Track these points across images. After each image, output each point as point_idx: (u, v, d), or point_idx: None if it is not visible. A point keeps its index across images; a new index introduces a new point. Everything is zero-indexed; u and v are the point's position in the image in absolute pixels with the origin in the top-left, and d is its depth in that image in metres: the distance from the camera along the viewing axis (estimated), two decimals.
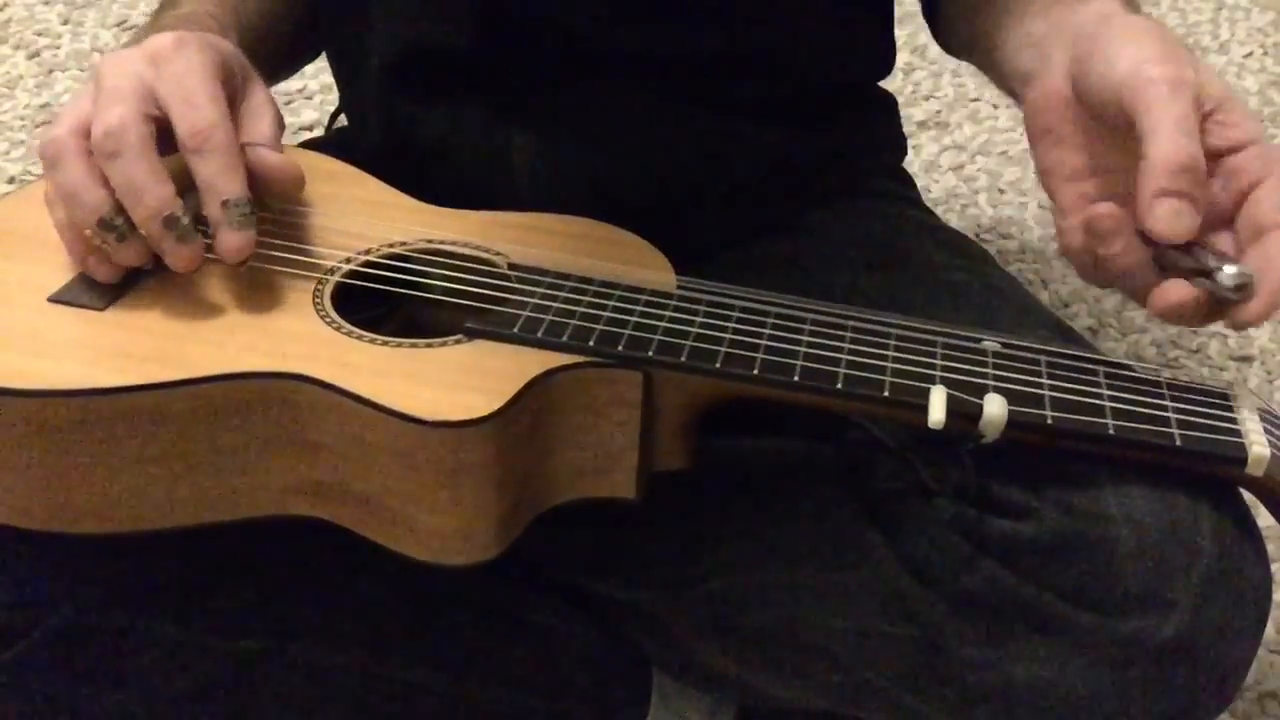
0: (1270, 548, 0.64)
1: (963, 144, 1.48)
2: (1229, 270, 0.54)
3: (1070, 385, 0.60)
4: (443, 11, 0.74)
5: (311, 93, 1.50)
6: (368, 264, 0.65)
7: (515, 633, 0.76)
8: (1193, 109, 0.55)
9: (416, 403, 0.55)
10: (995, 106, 1.56)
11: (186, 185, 0.59)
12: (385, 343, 0.59)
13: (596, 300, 0.62)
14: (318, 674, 0.70)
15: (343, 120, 0.88)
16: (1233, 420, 0.59)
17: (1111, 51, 0.57)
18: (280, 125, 0.65)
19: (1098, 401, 0.59)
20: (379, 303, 0.65)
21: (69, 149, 0.58)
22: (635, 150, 0.75)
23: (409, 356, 0.58)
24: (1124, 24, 0.59)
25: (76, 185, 0.58)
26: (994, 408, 0.57)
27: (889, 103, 0.89)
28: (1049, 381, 0.60)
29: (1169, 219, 0.53)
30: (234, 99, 0.62)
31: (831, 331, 0.62)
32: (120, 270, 0.61)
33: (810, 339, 0.61)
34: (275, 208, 0.67)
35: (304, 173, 0.63)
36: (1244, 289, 0.54)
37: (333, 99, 1.23)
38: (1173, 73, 0.55)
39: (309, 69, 1.53)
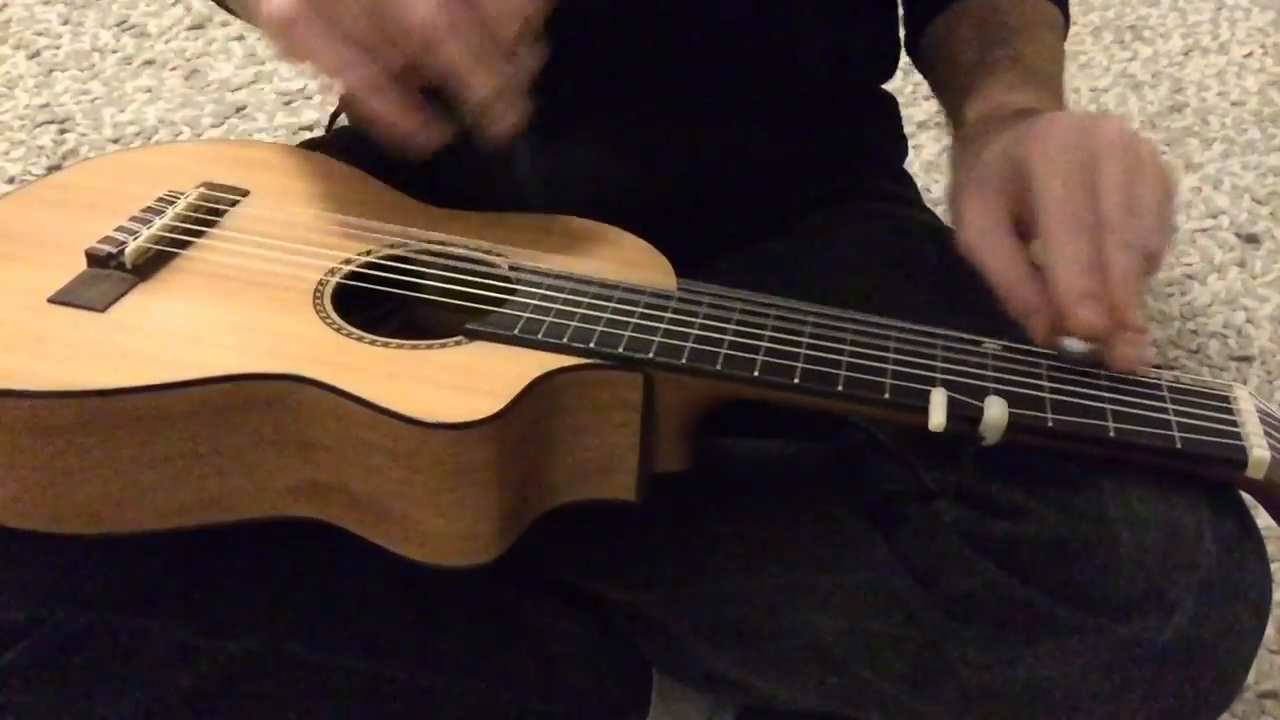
0: (1270, 548, 0.64)
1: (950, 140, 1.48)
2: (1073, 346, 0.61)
3: (1071, 387, 0.60)
4: None
5: (311, 93, 1.50)
6: (368, 265, 0.65)
7: (515, 633, 0.76)
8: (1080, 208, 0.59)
9: (417, 404, 0.55)
10: None
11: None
12: (385, 344, 0.59)
13: (597, 302, 0.62)
14: (318, 674, 0.70)
15: (343, 120, 0.88)
16: (1233, 423, 0.59)
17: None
18: None
19: (1098, 404, 0.59)
20: (379, 304, 0.65)
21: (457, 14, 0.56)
22: (637, 152, 0.75)
23: (409, 358, 0.58)
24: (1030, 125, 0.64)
25: (471, 56, 0.57)
26: (994, 410, 0.57)
27: (890, 103, 0.89)
28: (1049, 384, 0.60)
29: (1092, 321, 0.58)
30: None
31: (832, 333, 0.62)
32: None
33: (811, 341, 0.61)
34: (276, 210, 0.67)
35: (310, 169, 0.61)
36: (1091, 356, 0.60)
37: (333, 99, 1.23)
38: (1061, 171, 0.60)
39: (309, 68, 1.53)
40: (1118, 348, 0.59)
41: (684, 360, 0.59)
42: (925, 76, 0.87)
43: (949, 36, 0.80)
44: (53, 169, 1.37)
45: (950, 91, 0.80)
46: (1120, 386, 0.60)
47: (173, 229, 0.65)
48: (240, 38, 1.60)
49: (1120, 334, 0.59)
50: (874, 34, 0.83)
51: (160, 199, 0.68)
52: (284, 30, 0.58)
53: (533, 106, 0.75)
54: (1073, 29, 1.73)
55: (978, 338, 0.63)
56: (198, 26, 1.63)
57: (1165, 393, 0.60)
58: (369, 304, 0.64)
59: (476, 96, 0.57)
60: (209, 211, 0.67)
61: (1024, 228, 0.62)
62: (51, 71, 1.54)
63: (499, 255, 0.66)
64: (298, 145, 0.83)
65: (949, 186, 0.69)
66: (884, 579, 0.65)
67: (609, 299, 0.62)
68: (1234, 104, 1.58)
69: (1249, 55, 1.68)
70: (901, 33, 0.88)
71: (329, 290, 0.63)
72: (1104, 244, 0.59)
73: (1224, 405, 0.60)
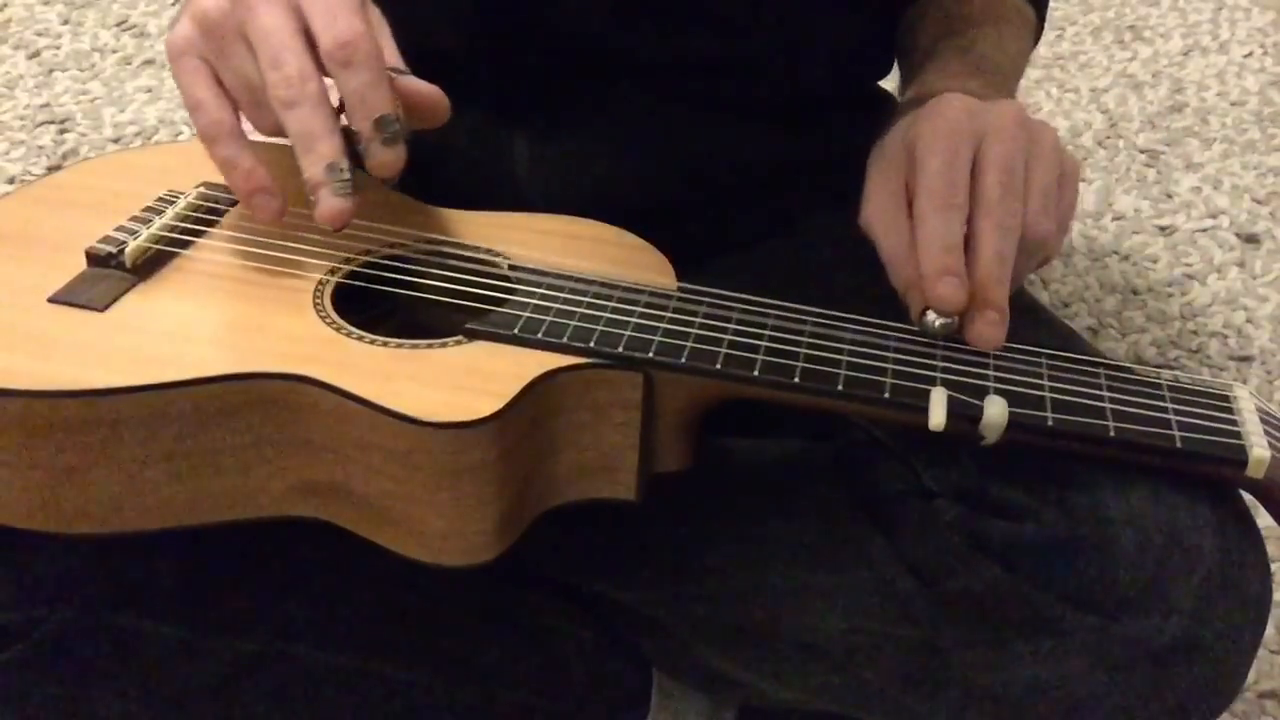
0: (1270, 548, 0.64)
1: None
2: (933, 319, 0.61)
3: (1071, 387, 0.60)
4: (442, 15, 0.73)
5: None
6: (368, 264, 0.65)
7: (515, 632, 0.76)
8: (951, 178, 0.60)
9: (417, 404, 0.55)
10: None
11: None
12: (385, 343, 0.59)
13: (597, 301, 0.62)
14: (318, 674, 0.70)
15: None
16: (1233, 422, 0.59)
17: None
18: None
19: (1098, 403, 0.59)
20: (379, 303, 0.65)
21: (311, 90, 0.57)
22: (636, 152, 0.75)
23: (409, 357, 0.58)
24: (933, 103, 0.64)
25: (314, 129, 0.57)
26: (994, 409, 0.57)
27: (889, 102, 0.89)
28: (1049, 383, 0.60)
29: (947, 296, 0.59)
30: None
31: (832, 333, 0.62)
32: (343, 218, 0.59)
33: (810, 340, 0.61)
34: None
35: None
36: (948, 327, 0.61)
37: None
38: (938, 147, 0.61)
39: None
40: (974, 325, 0.60)
41: (684, 360, 0.59)
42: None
43: (914, 26, 0.80)
44: (53, 169, 1.37)
45: (902, 79, 0.80)
46: (1120, 386, 0.60)
47: (173, 229, 0.65)
48: None
49: (980, 312, 0.59)
50: (873, 33, 0.83)
51: (160, 199, 0.68)
52: (173, 60, 0.60)
53: (531, 109, 0.75)
54: (1072, 29, 1.74)
55: None
56: None
57: (1165, 392, 0.60)
58: (369, 304, 0.64)
59: (314, 166, 0.58)
60: (209, 211, 0.67)
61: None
62: (51, 71, 1.54)
63: (499, 255, 0.66)
64: None
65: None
66: (884, 579, 0.65)
67: (609, 298, 0.62)
68: (1234, 104, 1.58)
69: (1249, 55, 1.68)
70: None
71: (329, 290, 0.63)
72: (976, 226, 0.59)
73: (1224, 405, 0.60)
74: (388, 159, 0.59)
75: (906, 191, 0.62)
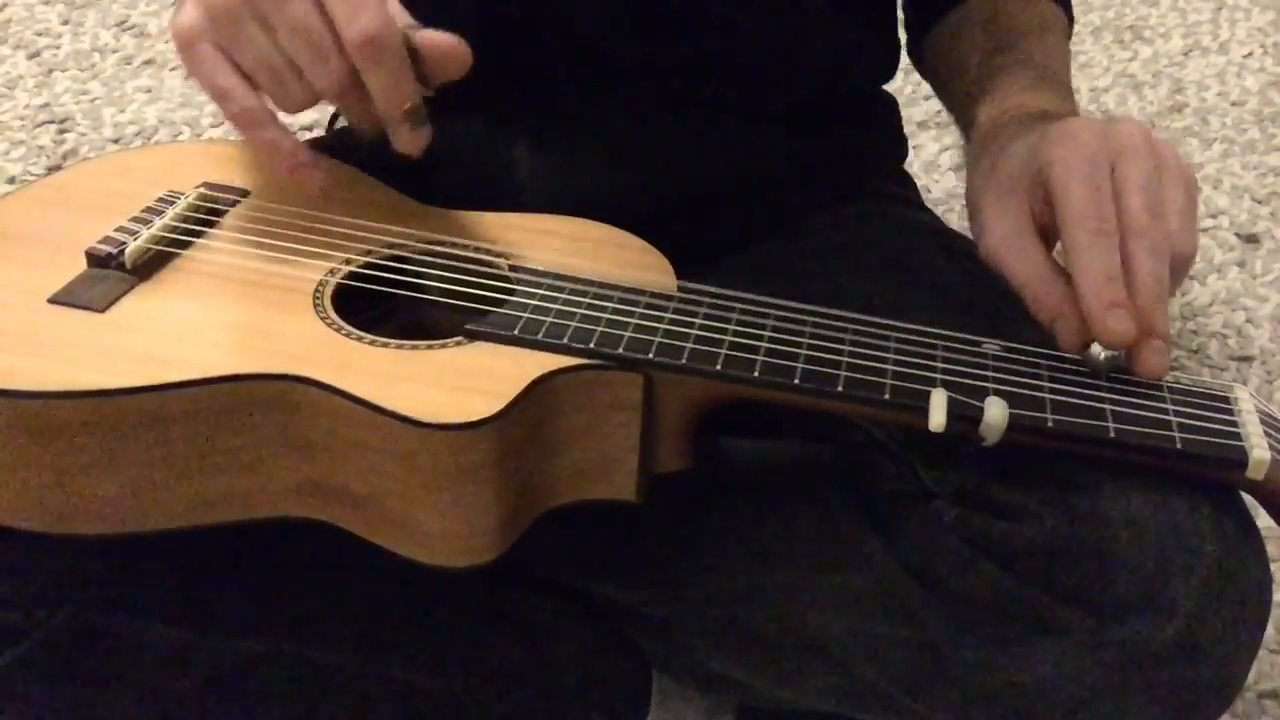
0: (1270, 549, 0.64)
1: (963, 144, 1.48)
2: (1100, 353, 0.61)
3: (1071, 388, 0.60)
4: (442, 19, 0.73)
5: None
6: (368, 265, 0.65)
7: (515, 633, 0.76)
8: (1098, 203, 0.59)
9: (417, 405, 0.55)
10: None
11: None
12: (385, 344, 0.59)
13: (597, 302, 0.62)
14: (318, 674, 0.70)
15: (343, 121, 0.88)
16: (1233, 423, 0.59)
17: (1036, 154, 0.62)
18: None
19: (1098, 404, 0.59)
20: (379, 304, 0.65)
21: (393, 38, 0.58)
22: (637, 155, 0.75)
23: (409, 358, 0.58)
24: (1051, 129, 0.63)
25: (401, 78, 0.59)
26: (995, 411, 0.57)
27: (890, 104, 0.89)
28: (1050, 384, 0.60)
29: (1120, 331, 0.58)
30: None
31: (832, 334, 0.62)
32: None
33: (811, 341, 0.61)
34: (276, 210, 0.67)
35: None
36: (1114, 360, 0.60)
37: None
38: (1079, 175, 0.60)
39: None
40: (1146, 357, 0.59)
41: (684, 360, 0.59)
42: (930, 80, 0.87)
43: (955, 40, 0.80)
44: (53, 169, 1.37)
45: (960, 95, 0.79)
46: (1120, 387, 0.60)
47: (172, 229, 0.65)
48: None
49: (1148, 342, 0.58)
50: (875, 35, 0.83)
51: (160, 199, 0.68)
52: (184, 48, 0.60)
53: (532, 111, 0.75)
54: (1073, 29, 1.73)
55: (977, 338, 0.63)
56: None
57: (1165, 393, 0.60)
58: (369, 304, 0.64)
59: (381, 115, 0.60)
60: (209, 212, 0.67)
61: (1046, 233, 0.62)
62: (51, 71, 1.54)
63: (499, 255, 0.66)
64: None
65: (967, 191, 0.69)
66: (884, 579, 0.65)
67: (609, 299, 0.62)
68: (1234, 104, 1.58)
69: (1249, 55, 1.68)
70: (902, 35, 0.88)
71: (329, 290, 0.63)
72: (1130, 250, 0.58)
73: (1224, 406, 0.60)
74: (416, 141, 0.61)
75: (1032, 217, 0.61)
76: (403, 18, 0.60)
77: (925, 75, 0.87)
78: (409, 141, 0.61)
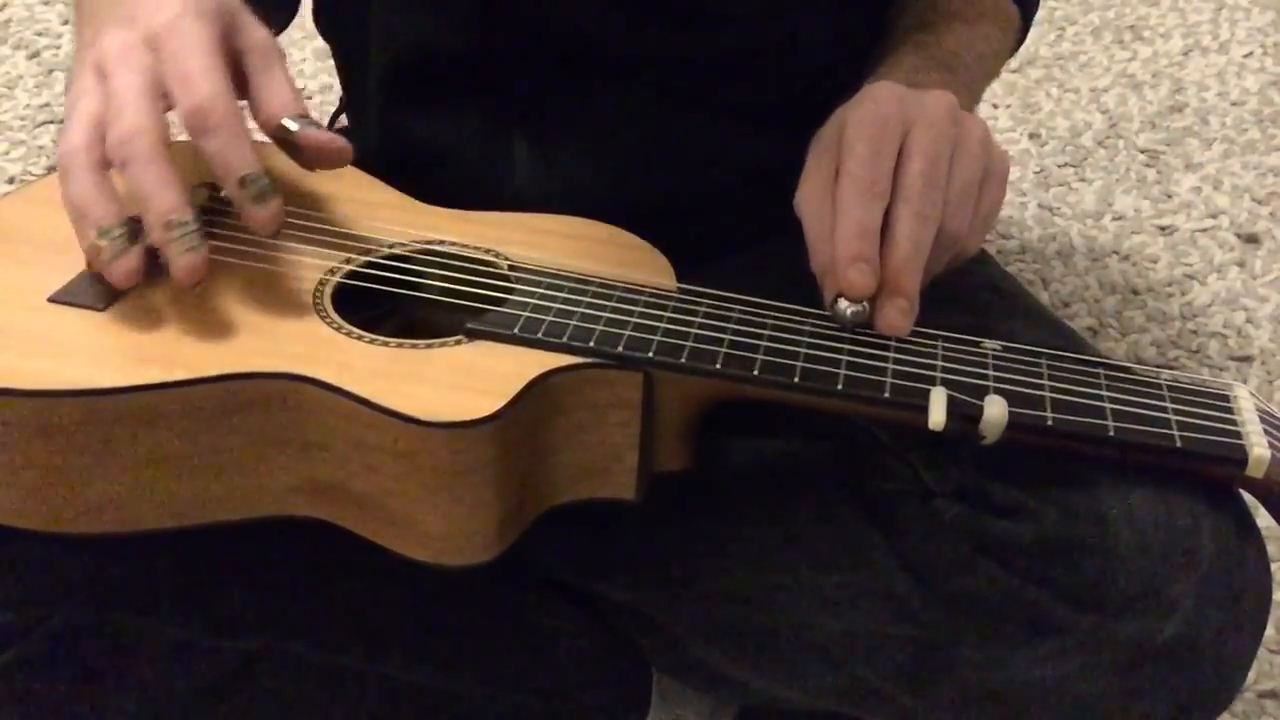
0: (1270, 548, 0.64)
1: None
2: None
3: (1070, 387, 0.60)
4: (442, 16, 0.74)
5: (311, 93, 1.50)
6: (368, 264, 0.65)
7: (515, 632, 0.76)
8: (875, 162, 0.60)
9: (417, 404, 0.55)
10: (995, 107, 1.56)
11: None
12: (386, 343, 0.59)
13: (596, 301, 0.62)
14: (318, 674, 0.70)
15: (343, 120, 0.88)
16: (1233, 421, 0.59)
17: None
18: (285, 64, 0.62)
19: (1098, 403, 0.59)
20: (379, 303, 0.65)
21: (79, 163, 0.57)
22: (635, 153, 0.75)
23: (409, 357, 0.58)
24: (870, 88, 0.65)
25: (82, 199, 0.57)
26: (994, 409, 0.57)
27: None
28: (1049, 383, 0.60)
29: (858, 283, 0.60)
30: (233, 47, 0.60)
31: (831, 332, 0.62)
32: (131, 277, 0.59)
33: (810, 340, 0.61)
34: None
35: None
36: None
37: (333, 99, 1.23)
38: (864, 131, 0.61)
39: (308, 69, 1.53)
40: (886, 312, 0.60)
41: (684, 360, 0.59)
42: None
43: (892, 21, 0.80)
44: (53, 169, 1.36)
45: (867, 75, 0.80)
46: (1120, 385, 0.60)
47: None
48: None
49: (891, 299, 0.60)
50: (873, 32, 0.83)
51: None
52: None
53: (532, 110, 0.75)
54: (1072, 29, 1.74)
55: (977, 337, 0.63)
56: None
57: (1165, 392, 0.60)
58: (369, 303, 0.64)
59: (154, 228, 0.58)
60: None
61: None
62: (51, 71, 1.54)
63: (498, 254, 0.66)
64: None
65: None
66: (884, 579, 0.65)
67: (608, 298, 0.62)
68: (1234, 104, 1.58)
69: (1249, 55, 1.68)
70: None
71: (329, 290, 0.63)
72: (895, 213, 0.60)
73: (1224, 404, 0.60)
74: (262, 216, 0.58)
75: (834, 174, 0.62)
76: (285, 105, 0.60)
77: None
78: (253, 213, 0.58)
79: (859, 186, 0.60)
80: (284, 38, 0.76)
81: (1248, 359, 1.22)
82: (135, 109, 0.57)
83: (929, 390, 0.58)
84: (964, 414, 0.58)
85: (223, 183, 0.58)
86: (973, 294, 0.75)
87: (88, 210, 0.57)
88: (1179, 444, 0.58)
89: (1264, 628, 0.62)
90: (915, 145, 0.61)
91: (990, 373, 0.60)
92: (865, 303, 0.60)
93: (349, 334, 0.60)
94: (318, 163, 0.62)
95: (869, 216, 0.59)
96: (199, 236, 0.57)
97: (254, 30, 0.61)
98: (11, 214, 0.67)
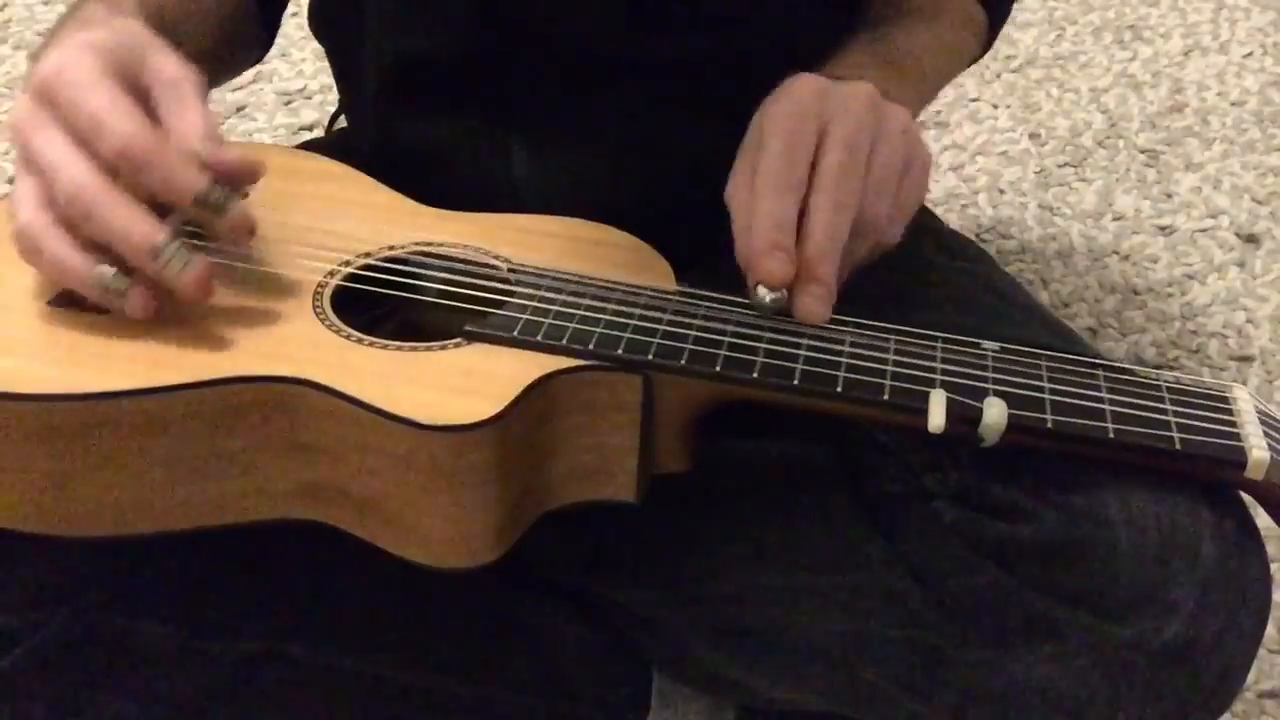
0: (1270, 549, 0.64)
1: (962, 144, 1.49)
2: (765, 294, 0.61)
3: (1070, 388, 0.60)
4: (438, 20, 0.73)
5: (311, 93, 1.50)
6: (367, 267, 0.65)
7: (515, 633, 0.76)
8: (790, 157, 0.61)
9: (416, 406, 0.55)
10: (995, 107, 1.56)
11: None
12: (385, 346, 0.59)
13: (596, 303, 0.62)
14: (318, 676, 0.70)
15: (343, 121, 0.88)
16: (1232, 423, 0.59)
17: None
18: (202, 92, 0.61)
19: (1098, 405, 0.59)
20: (378, 306, 0.65)
21: (38, 233, 0.57)
22: (634, 156, 0.75)
23: (408, 360, 0.58)
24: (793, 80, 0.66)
25: (60, 262, 0.57)
26: (994, 411, 0.57)
27: None
28: (1049, 385, 0.60)
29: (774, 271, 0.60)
30: (139, 84, 0.59)
31: (831, 334, 0.62)
32: (150, 305, 0.58)
33: (810, 342, 0.61)
34: (275, 211, 0.67)
35: (310, 170, 0.61)
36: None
37: (333, 99, 1.23)
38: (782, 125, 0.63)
39: (308, 69, 1.53)
40: (799, 299, 0.61)
41: (683, 361, 0.59)
42: None
43: (858, 17, 0.80)
44: None
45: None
46: (1120, 387, 0.60)
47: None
48: None
49: (807, 287, 0.61)
50: None
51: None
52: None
53: (529, 113, 0.75)
54: (1072, 29, 1.74)
55: (976, 339, 0.63)
56: None
57: (1164, 393, 0.60)
58: (368, 306, 0.64)
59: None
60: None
61: None
62: None
63: (497, 256, 0.66)
64: (297, 146, 0.83)
65: None
66: (884, 579, 0.65)
67: (608, 300, 0.62)
68: (1234, 104, 1.58)
69: (1249, 55, 1.68)
70: None
71: (328, 292, 0.63)
72: (811, 203, 0.61)
73: (1223, 406, 0.60)
74: (231, 223, 0.58)
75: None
76: (195, 130, 0.58)
77: None
78: (226, 223, 0.58)
79: (773, 179, 0.61)
80: (284, 37, 0.76)
81: (1248, 359, 1.22)
82: (64, 166, 0.56)
83: (928, 393, 0.58)
84: (963, 416, 0.58)
85: (180, 209, 0.58)
86: (972, 295, 0.75)
87: (73, 269, 0.57)
88: (1179, 446, 0.58)
89: (1264, 629, 0.62)
90: (832, 136, 0.62)
91: (990, 374, 0.60)
92: (784, 290, 0.61)
93: (348, 337, 0.60)
94: (236, 183, 0.60)
95: (783, 207, 0.60)
96: (187, 251, 0.57)
97: (161, 62, 0.60)
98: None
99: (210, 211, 0.58)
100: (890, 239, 0.64)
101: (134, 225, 0.56)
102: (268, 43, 0.84)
